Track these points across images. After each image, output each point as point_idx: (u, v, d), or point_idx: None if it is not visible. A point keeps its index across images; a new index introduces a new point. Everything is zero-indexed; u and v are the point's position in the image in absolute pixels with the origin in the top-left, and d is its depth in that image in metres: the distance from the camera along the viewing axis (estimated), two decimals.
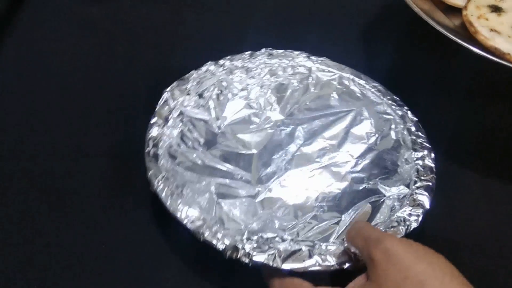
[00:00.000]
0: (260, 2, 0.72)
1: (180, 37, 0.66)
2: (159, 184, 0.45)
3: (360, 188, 0.51)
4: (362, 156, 0.53)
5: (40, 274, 0.45)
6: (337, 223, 0.48)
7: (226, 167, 0.51)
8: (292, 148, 0.54)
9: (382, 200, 0.48)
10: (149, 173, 0.46)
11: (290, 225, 0.48)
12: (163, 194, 0.44)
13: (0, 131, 0.55)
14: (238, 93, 0.56)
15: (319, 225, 0.48)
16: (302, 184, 0.51)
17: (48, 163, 0.52)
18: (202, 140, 0.52)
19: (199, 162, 0.51)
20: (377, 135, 0.54)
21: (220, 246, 0.41)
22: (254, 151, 0.53)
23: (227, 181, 0.50)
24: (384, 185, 0.50)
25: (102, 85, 0.60)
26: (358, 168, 0.52)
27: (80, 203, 0.49)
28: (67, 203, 0.49)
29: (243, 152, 0.53)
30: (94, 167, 0.52)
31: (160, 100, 0.51)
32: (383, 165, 0.52)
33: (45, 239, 0.47)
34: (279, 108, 0.57)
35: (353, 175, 0.52)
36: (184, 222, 0.43)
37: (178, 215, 0.43)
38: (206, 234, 0.42)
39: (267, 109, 0.56)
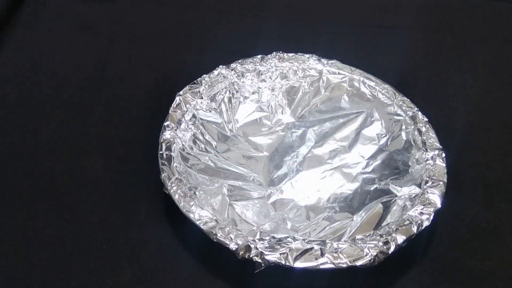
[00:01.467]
0: (268, 4, 0.72)
1: (183, 38, 0.67)
2: (172, 186, 0.45)
3: (372, 188, 0.51)
4: (373, 157, 0.53)
5: (41, 274, 0.45)
6: (349, 223, 0.48)
7: (238, 169, 0.52)
8: (303, 150, 0.55)
9: (393, 200, 0.48)
10: (163, 175, 0.46)
11: (302, 226, 0.48)
12: (176, 196, 0.45)
13: (4, 131, 0.55)
14: (250, 96, 0.56)
15: (331, 226, 0.48)
16: (314, 186, 0.52)
17: (54, 163, 0.52)
18: (214, 143, 0.53)
19: (212, 164, 0.51)
20: (387, 136, 0.54)
21: (233, 246, 0.42)
22: (265, 153, 0.54)
23: (240, 183, 0.51)
24: (396, 185, 0.50)
25: (105, 87, 0.60)
26: (369, 169, 0.53)
27: (90, 203, 0.50)
28: (75, 203, 0.50)
29: (255, 154, 0.54)
30: (105, 168, 0.52)
31: (173, 103, 0.52)
32: (394, 165, 0.52)
33: (48, 239, 0.47)
34: (290, 111, 0.57)
35: (364, 175, 0.52)
36: (197, 223, 0.43)
37: (191, 216, 0.44)
38: (219, 235, 0.42)
39: (278, 112, 0.57)
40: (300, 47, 0.60)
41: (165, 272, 0.46)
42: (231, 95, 0.55)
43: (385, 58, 0.65)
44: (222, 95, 0.55)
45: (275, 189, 0.51)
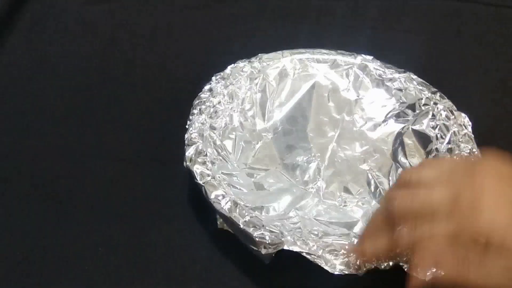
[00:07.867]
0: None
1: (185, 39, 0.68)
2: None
3: (382, 132, 0.55)
4: (360, 107, 0.56)
5: (40, 275, 0.45)
6: (397, 168, 0.51)
7: (271, 191, 0.51)
8: (302, 142, 0.55)
9: (408, 127, 0.53)
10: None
11: (366, 195, 0.50)
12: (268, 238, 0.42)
13: (5, 131, 0.55)
14: (225, 129, 0.54)
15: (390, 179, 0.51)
16: (340, 161, 0.54)
17: (56, 164, 0.53)
18: (243, 189, 0.50)
19: (256, 203, 0.49)
20: (352, 88, 0.57)
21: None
22: (273, 167, 0.53)
23: (291, 201, 0.50)
24: (404, 116, 0.54)
25: (107, 88, 0.61)
26: (366, 117, 0.56)
27: (91, 205, 0.50)
28: (75, 205, 0.49)
29: (270, 170, 0.53)
30: (107, 170, 0.52)
31: (196, 175, 0.47)
32: (385, 97, 0.56)
33: (46, 240, 0.47)
34: (258, 118, 0.56)
35: (369, 125, 0.55)
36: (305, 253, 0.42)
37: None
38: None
39: (252, 126, 0.56)
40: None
41: (170, 275, 0.45)
42: (216, 137, 0.52)
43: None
44: (210, 142, 0.51)
45: (314, 187, 0.51)
